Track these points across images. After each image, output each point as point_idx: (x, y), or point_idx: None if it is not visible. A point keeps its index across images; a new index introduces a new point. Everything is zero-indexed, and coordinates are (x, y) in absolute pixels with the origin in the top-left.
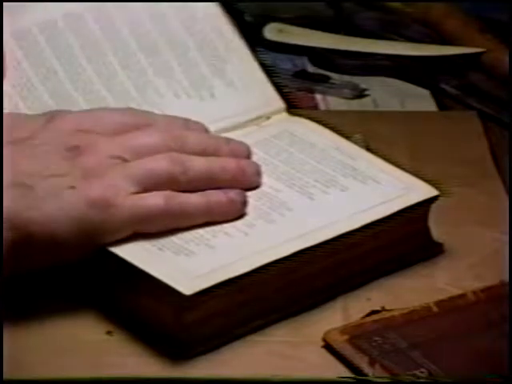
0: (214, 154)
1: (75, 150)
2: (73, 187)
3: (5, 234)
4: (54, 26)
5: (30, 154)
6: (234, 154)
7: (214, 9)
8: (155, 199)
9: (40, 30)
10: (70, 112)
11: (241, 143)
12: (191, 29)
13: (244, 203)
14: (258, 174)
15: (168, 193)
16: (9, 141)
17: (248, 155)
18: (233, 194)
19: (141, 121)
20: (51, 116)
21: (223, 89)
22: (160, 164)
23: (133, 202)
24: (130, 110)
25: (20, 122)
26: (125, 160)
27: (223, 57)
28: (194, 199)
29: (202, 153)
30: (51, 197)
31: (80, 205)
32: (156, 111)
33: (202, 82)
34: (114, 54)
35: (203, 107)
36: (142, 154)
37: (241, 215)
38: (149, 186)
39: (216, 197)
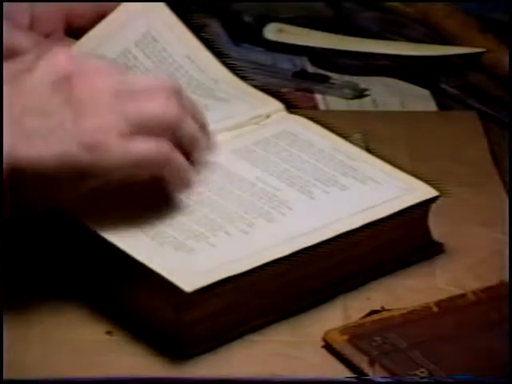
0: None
1: (67, 81)
2: (62, 125)
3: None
4: None
5: (21, 89)
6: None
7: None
8: (148, 144)
9: None
10: (64, 47)
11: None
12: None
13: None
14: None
15: (161, 141)
16: (7, 73)
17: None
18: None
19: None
20: (46, 50)
21: (222, 94)
22: (160, 110)
23: (125, 144)
24: None
25: (16, 58)
26: (120, 97)
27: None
28: (181, 157)
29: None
30: (41, 136)
31: (70, 145)
32: None
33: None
34: None
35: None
36: (139, 95)
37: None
38: (143, 129)
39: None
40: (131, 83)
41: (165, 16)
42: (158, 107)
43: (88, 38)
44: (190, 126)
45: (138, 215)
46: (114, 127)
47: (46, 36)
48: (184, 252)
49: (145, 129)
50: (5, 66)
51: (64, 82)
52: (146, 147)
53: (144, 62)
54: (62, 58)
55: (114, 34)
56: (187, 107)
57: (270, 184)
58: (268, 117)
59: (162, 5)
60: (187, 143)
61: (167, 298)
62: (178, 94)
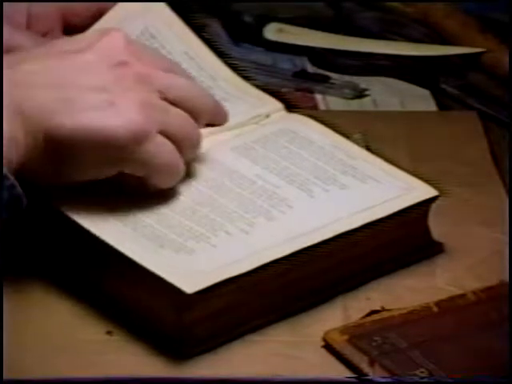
0: None
1: (125, 66)
2: (113, 103)
3: (33, 136)
4: None
5: (76, 65)
6: None
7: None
8: (171, 149)
9: None
10: (122, 31)
11: None
12: None
13: None
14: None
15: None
16: (58, 51)
17: None
18: None
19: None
20: (104, 32)
21: (221, 93)
22: (190, 129)
23: (159, 141)
24: None
25: (75, 37)
26: (164, 97)
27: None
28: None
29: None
30: (89, 109)
31: (119, 122)
32: None
33: None
34: None
35: None
36: (178, 101)
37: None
38: (171, 137)
39: None
40: (177, 88)
41: (163, 14)
42: (190, 128)
43: None
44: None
45: (137, 217)
46: (158, 125)
47: (44, 35)
48: (184, 253)
49: (172, 138)
50: (64, 42)
51: (121, 67)
52: (173, 153)
53: None
54: (120, 40)
55: None
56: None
57: (269, 181)
58: (268, 116)
59: (161, 3)
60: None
61: (168, 299)
62: (212, 115)
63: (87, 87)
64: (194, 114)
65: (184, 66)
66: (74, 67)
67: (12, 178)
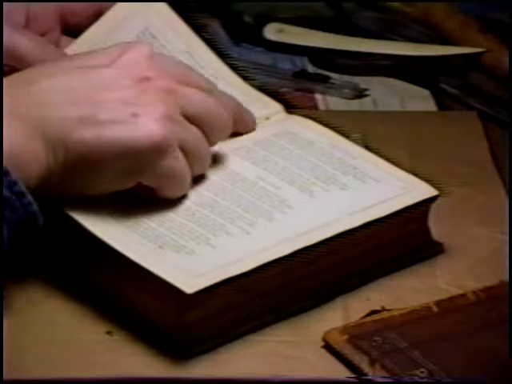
0: None
1: (146, 81)
2: (136, 115)
3: (54, 152)
4: None
5: (99, 81)
6: None
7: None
8: (184, 163)
9: None
10: (147, 44)
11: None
12: None
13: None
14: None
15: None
16: (82, 66)
17: None
18: None
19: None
20: (127, 47)
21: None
22: (203, 147)
23: (178, 155)
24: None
25: (97, 52)
26: (183, 113)
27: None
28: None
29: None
30: (111, 122)
31: (142, 133)
32: None
33: None
34: None
35: None
36: (195, 118)
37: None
38: (184, 151)
39: None
40: (197, 105)
41: (164, 13)
42: (203, 146)
43: (86, 35)
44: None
45: (138, 218)
46: (178, 139)
47: (43, 34)
48: (185, 254)
49: (185, 153)
50: (87, 57)
51: (145, 82)
52: (185, 167)
53: None
54: (142, 54)
55: (112, 31)
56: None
57: (270, 182)
58: (267, 119)
59: (161, 3)
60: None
61: (168, 300)
62: (225, 131)
63: (109, 101)
64: (209, 131)
65: None
66: (96, 83)
67: (29, 195)
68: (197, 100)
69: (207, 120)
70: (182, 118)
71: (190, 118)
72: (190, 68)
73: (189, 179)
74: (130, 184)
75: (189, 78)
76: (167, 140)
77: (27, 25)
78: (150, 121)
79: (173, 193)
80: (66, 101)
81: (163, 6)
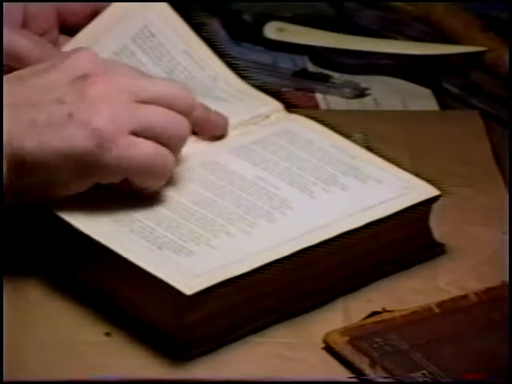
0: None
1: (85, 79)
2: (71, 115)
3: (4, 160)
4: None
5: (39, 83)
6: None
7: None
8: (147, 148)
9: None
10: (91, 49)
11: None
12: None
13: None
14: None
15: (163, 149)
16: (24, 73)
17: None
18: None
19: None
20: (71, 51)
21: (220, 93)
22: (170, 122)
23: (132, 144)
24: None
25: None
26: (134, 99)
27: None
28: (172, 157)
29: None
30: (50, 126)
31: (80, 137)
32: None
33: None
34: None
35: None
36: (154, 101)
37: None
38: (149, 134)
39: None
40: (148, 89)
41: (164, 12)
42: (169, 119)
43: (84, 34)
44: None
45: (137, 219)
46: (125, 126)
47: (41, 34)
48: (184, 255)
49: (150, 134)
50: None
51: (82, 80)
52: (150, 151)
53: (141, 59)
54: (85, 58)
55: (110, 29)
56: (199, 120)
57: (270, 183)
58: (267, 117)
59: (162, 3)
60: (180, 148)
61: (167, 301)
62: (191, 107)
63: (47, 103)
64: (173, 109)
65: (184, 65)
66: (36, 87)
67: None
68: (148, 84)
69: (167, 97)
70: (130, 103)
71: (147, 101)
72: (142, 72)
73: (165, 159)
74: (88, 185)
75: (138, 75)
76: (107, 133)
77: (25, 25)
78: (86, 119)
79: (149, 182)
80: (7, 104)
81: (164, 5)
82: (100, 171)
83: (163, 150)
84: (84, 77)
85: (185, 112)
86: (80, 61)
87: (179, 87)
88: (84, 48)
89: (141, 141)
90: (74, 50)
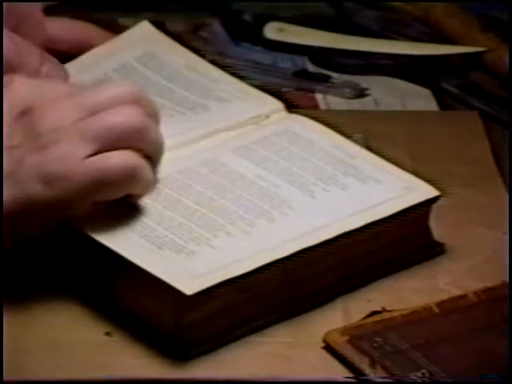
0: None
1: (29, 114)
2: (21, 161)
3: None
4: None
5: None
6: None
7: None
8: (115, 159)
9: None
10: (22, 76)
11: None
12: None
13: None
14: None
15: (126, 152)
16: None
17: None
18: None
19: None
20: (6, 80)
21: (222, 94)
22: (122, 120)
23: (88, 166)
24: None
25: None
26: (81, 117)
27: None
28: (147, 166)
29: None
30: (5, 177)
31: (31, 184)
32: None
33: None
34: None
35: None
36: (100, 109)
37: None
38: (108, 143)
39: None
40: (91, 99)
41: (162, 39)
42: (120, 118)
43: (83, 58)
44: (154, 133)
45: (137, 219)
46: (76, 151)
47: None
48: (185, 255)
49: (110, 142)
50: None
51: (26, 116)
52: (111, 163)
53: (143, 72)
54: (21, 89)
55: (112, 54)
56: (151, 113)
57: (270, 182)
58: (268, 117)
59: (158, 32)
60: (153, 150)
61: (167, 301)
62: (139, 100)
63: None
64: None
65: (185, 73)
66: None
67: None
68: (88, 98)
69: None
70: (79, 127)
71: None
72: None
73: (134, 169)
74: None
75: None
76: (62, 173)
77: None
78: (38, 162)
79: (131, 191)
80: None
81: (161, 34)
82: (65, 206)
83: (133, 156)
84: (26, 111)
85: (135, 107)
86: (16, 92)
87: (123, 86)
88: (18, 76)
89: (106, 155)
90: (9, 81)
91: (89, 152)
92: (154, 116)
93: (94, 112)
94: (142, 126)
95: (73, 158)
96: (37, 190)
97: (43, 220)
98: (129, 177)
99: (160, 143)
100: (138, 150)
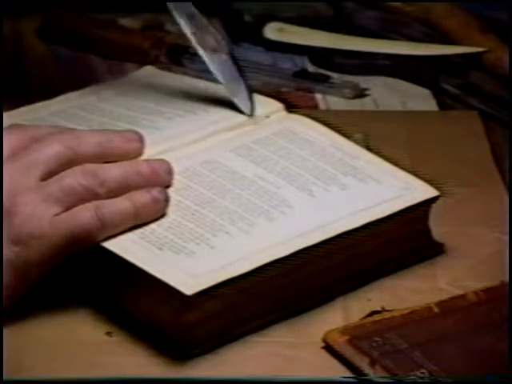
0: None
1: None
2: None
3: None
4: None
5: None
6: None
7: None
8: (83, 213)
9: None
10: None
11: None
12: None
13: (167, 200)
14: (170, 172)
15: (94, 203)
16: None
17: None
18: (155, 192)
19: (44, 131)
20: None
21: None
22: (75, 179)
23: (59, 223)
24: (31, 126)
25: None
26: (40, 179)
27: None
28: (121, 205)
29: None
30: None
31: (5, 247)
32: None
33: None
34: None
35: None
36: (54, 167)
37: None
38: (70, 202)
39: (141, 198)
40: (35, 159)
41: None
42: (66, 180)
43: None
44: (111, 174)
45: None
46: (43, 212)
47: None
48: (184, 255)
49: (71, 201)
50: None
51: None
52: (79, 220)
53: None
54: (12, 136)
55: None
56: (92, 157)
57: (270, 182)
58: (268, 117)
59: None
60: (123, 188)
61: (167, 301)
62: (74, 156)
63: None
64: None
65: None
66: None
67: None
68: (78, 144)
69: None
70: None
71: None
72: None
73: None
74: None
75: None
76: (31, 234)
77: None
78: (10, 223)
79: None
80: None
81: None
82: (43, 265)
83: (104, 204)
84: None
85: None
86: (8, 141)
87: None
88: (14, 125)
89: (74, 211)
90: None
91: (55, 211)
92: (96, 158)
93: (49, 170)
94: (96, 183)
95: (41, 217)
96: (10, 253)
97: (27, 279)
98: (102, 225)
99: (120, 184)
100: (103, 196)
